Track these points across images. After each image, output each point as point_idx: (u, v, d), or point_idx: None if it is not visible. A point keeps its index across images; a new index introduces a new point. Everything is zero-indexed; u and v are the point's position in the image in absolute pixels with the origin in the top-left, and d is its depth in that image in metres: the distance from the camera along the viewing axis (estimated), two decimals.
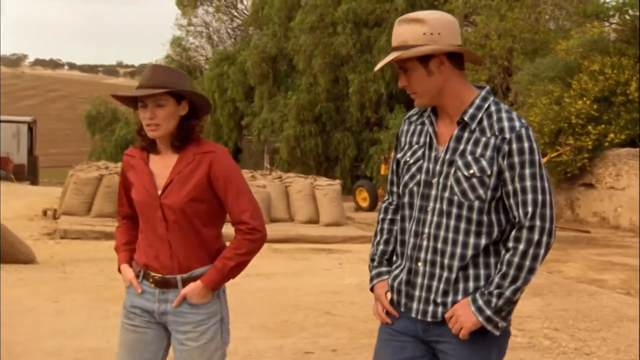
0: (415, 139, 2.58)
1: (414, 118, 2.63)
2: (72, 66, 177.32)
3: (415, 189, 2.53)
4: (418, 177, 2.53)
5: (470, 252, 2.45)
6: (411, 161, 2.56)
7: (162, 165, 2.93)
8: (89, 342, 5.81)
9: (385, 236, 2.73)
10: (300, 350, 5.81)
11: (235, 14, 36.90)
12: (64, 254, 10.15)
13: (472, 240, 2.45)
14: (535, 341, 6.25)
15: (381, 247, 2.73)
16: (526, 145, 2.38)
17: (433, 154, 2.50)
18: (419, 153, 2.54)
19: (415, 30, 2.41)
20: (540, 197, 2.38)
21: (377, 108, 25.05)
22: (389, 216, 2.73)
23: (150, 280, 2.93)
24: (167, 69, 2.92)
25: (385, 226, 2.74)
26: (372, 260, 2.75)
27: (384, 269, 2.72)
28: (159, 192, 2.90)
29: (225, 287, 3.03)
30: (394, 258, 2.68)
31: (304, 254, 11.36)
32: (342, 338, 6.23)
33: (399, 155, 2.64)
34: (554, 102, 14.97)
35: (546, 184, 2.41)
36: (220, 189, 2.89)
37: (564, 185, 16.03)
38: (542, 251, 2.39)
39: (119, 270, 3.07)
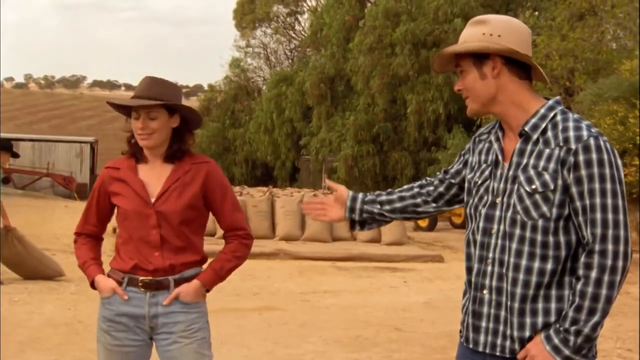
0: (483, 157, 2.40)
1: (484, 136, 2.46)
2: (128, 87, 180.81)
3: (483, 210, 2.33)
4: (485, 198, 2.33)
5: (534, 278, 2.20)
6: (479, 182, 2.37)
7: (154, 175, 3.00)
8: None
9: (403, 193, 2.65)
10: None
11: (293, 35, 37.42)
12: None
13: (536, 264, 2.20)
14: None
15: (385, 196, 2.65)
16: (594, 156, 2.14)
17: (499, 172, 2.31)
18: (487, 172, 2.36)
19: (476, 31, 2.29)
20: (611, 216, 2.13)
21: (435, 128, 25.07)
22: (416, 189, 2.64)
23: (140, 284, 2.93)
24: (162, 82, 2.98)
25: (418, 188, 2.64)
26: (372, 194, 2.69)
27: (360, 195, 2.66)
28: (153, 200, 2.96)
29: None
30: (465, 289, 2.44)
31: (368, 272, 11.46)
32: (415, 353, 6.33)
33: (468, 176, 2.46)
34: (619, 123, 14.82)
35: (619, 202, 2.15)
36: (217, 199, 3.02)
37: (629, 207, 15.78)
38: (618, 277, 2.13)
39: (92, 285, 3.05)
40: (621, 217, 2.15)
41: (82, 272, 3.12)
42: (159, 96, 2.91)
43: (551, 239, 2.19)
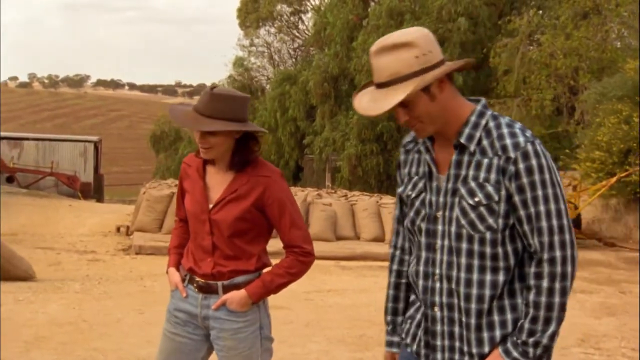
0: (414, 169, 2.30)
1: (410, 146, 2.35)
2: (132, 86, 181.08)
3: (422, 225, 2.25)
4: (423, 212, 2.25)
5: (488, 292, 2.15)
6: (413, 195, 2.28)
7: (218, 180, 2.98)
8: None
9: (392, 292, 2.46)
10: None
11: (297, 34, 37.41)
12: (141, 268, 10.49)
13: (488, 277, 2.15)
14: None
15: (390, 304, 2.46)
16: (534, 162, 2.09)
17: (434, 185, 2.22)
18: (420, 185, 2.26)
19: (406, 57, 2.11)
20: (555, 222, 2.10)
21: None
22: (395, 267, 2.45)
23: (195, 285, 2.99)
24: (224, 98, 2.86)
25: (392, 280, 2.46)
26: (387, 323, 2.47)
27: (396, 338, 2.44)
28: (210, 206, 2.95)
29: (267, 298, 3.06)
30: (411, 297, 2.40)
31: (372, 271, 11.45)
32: None
33: (399, 190, 2.36)
34: (623, 122, 14.79)
35: (562, 206, 2.11)
36: (274, 215, 2.96)
37: (633, 206, 15.80)
38: (568, 283, 2.11)
39: (167, 272, 3.15)
40: (565, 221, 2.12)
41: None
42: (219, 114, 2.83)
43: (500, 250, 2.15)
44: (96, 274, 9.93)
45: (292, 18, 37.65)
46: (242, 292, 2.93)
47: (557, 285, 2.10)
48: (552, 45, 19.21)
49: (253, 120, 33.33)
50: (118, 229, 14.74)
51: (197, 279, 2.99)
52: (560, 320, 2.11)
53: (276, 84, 31.96)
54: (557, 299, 2.10)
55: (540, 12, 23.75)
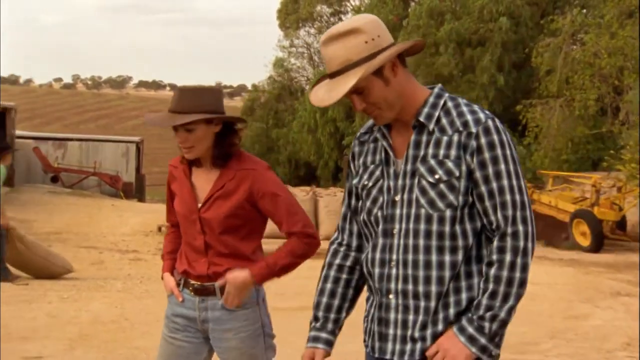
0: (369, 158, 2.22)
1: (365, 137, 2.27)
2: (173, 87, 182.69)
3: (379, 213, 2.15)
4: (381, 199, 2.15)
5: (447, 273, 2.08)
6: (370, 184, 2.19)
7: (205, 179, 2.93)
8: None
9: (330, 285, 2.29)
10: None
11: None
12: None
13: (447, 258, 2.08)
14: None
15: (325, 299, 2.29)
16: (496, 138, 2.05)
17: (392, 170, 2.15)
18: (377, 173, 2.18)
19: (355, 44, 2.07)
20: (518, 197, 2.05)
21: None
22: (337, 261, 2.30)
23: (190, 288, 2.94)
24: (194, 91, 2.85)
25: (332, 273, 2.30)
26: (316, 318, 2.30)
27: (324, 334, 2.27)
28: (199, 205, 2.91)
29: (265, 296, 3.00)
30: (368, 295, 2.25)
31: None
32: None
33: (354, 182, 2.27)
34: None
35: (522, 182, 2.08)
36: (268, 208, 2.89)
37: None
38: (529, 260, 2.06)
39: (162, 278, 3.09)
40: (525, 198, 2.08)
41: None
42: (193, 108, 2.79)
43: (458, 228, 2.08)
44: (138, 273, 10.05)
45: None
46: (245, 272, 2.82)
47: (519, 260, 2.04)
48: (596, 44, 18.93)
49: (292, 121, 33.48)
50: (159, 229, 14.88)
51: (192, 281, 2.93)
52: (518, 296, 2.04)
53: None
54: (517, 274, 2.03)
55: (584, 11, 23.42)
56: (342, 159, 31.32)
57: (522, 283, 2.05)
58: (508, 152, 2.06)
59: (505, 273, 2.03)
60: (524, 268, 2.04)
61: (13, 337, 6.25)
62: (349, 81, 2.06)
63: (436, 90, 2.16)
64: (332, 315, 2.27)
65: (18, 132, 30.62)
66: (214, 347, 2.99)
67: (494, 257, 2.06)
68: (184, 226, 2.97)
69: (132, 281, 9.45)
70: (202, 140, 2.83)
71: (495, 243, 2.06)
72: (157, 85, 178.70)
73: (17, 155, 28.59)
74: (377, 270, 2.16)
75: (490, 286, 2.04)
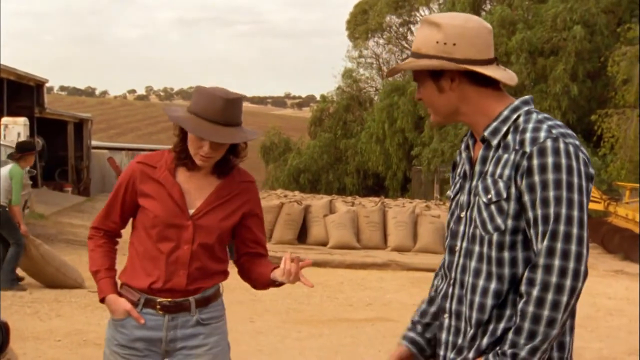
0: (459, 170, 2.16)
1: (461, 147, 2.20)
2: (243, 98, 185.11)
3: (451, 227, 2.11)
4: (456, 213, 2.11)
5: (490, 301, 1.95)
6: (452, 196, 2.15)
7: (195, 185, 2.74)
8: None
9: (432, 293, 2.27)
10: None
11: (406, 45, 37.24)
12: None
13: (493, 285, 1.95)
14: None
15: (423, 305, 2.28)
16: (550, 160, 1.87)
17: (467, 184, 2.07)
18: (458, 186, 2.13)
19: (430, 37, 2.02)
20: (563, 228, 1.85)
21: None
22: (441, 272, 2.25)
23: (158, 307, 2.69)
24: (236, 102, 2.69)
25: (435, 282, 2.27)
26: (411, 322, 2.30)
27: (411, 334, 2.26)
28: (192, 212, 2.71)
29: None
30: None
31: None
32: None
33: (448, 193, 2.24)
34: None
35: (575, 213, 1.86)
36: (256, 221, 2.81)
37: None
38: (564, 298, 1.85)
39: (102, 300, 2.76)
40: (575, 230, 1.86)
41: (93, 279, 2.82)
42: (235, 120, 2.65)
43: (506, 255, 1.94)
44: None
45: (401, 29, 37.57)
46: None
47: (550, 296, 1.85)
48: None
49: (361, 131, 33.44)
50: None
51: (160, 299, 2.68)
52: (546, 336, 1.86)
53: (384, 95, 31.94)
54: (545, 312, 1.85)
55: None
56: (411, 169, 31.12)
57: (551, 323, 1.86)
58: (564, 177, 1.87)
59: (531, 309, 1.87)
60: (555, 306, 1.85)
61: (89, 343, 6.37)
62: (405, 66, 2.10)
63: (516, 102, 2.04)
64: (425, 320, 2.25)
65: (94, 143, 31.52)
66: None
67: (522, 288, 1.90)
68: (163, 233, 2.70)
69: None
70: (223, 152, 2.71)
71: (526, 273, 1.90)
72: None
73: (92, 165, 29.43)
74: (444, 287, 2.12)
75: (517, 320, 1.90)
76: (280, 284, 2.74)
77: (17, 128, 15.91)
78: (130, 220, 2.85)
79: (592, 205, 16.92)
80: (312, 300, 8.96)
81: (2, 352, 2.32)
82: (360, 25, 37.39)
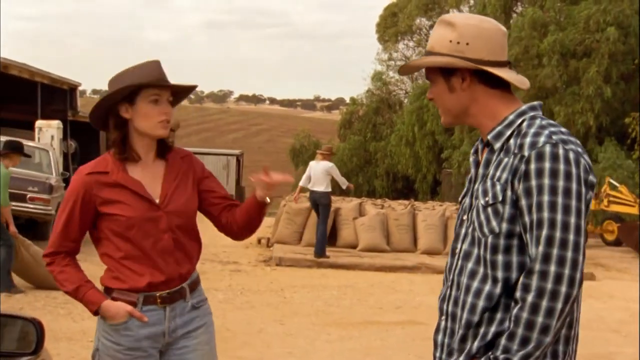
0: (472, 172, 2.18)
1: (472, 150, 2.22)
2: (272, 101, 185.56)
3: (457, 230, 2.12)
4: (460, 216, 2.12)
5: (482, 303, 1.95)
6: (460, 199, 2.16)
7: (148, 174, 2.76)
8: None
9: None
10: None
11: None
12: (281, 280, 10.68)
13: (486, 287, 1.95)
14: None
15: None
16: (548, 165, 1.85)
17: (472, 187, 2.09)
18: (466, 189, 2.14)
19: (444, 36, 2.04)
20: (559, 234, 1.83)
21: (585, 141, 24.02)
22: None
23: (159, 300, 2.72)
24: (161, 64, 2.78)
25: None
26: None
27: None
28: (157, 201, 2.73)
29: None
30: None
31: None
32: None
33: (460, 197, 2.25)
34: None
35: (572, 219, 1.84)
36: (212, 184, 2.87)
37: None
38: (559, 305, 1.83)
39: (95, 312, 2.72)
40: (571, 236, 1.84)
41: (74, 298, 2.75)
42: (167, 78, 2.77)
43: (500, 258, 1.92)
44: (238, 284, 10.20)
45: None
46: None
47: (544, 303, 1.83)
48: None
49: (390, 134, 33.34)
50: (259, 241, 15.08)
51: (159, 293, 2.71)
52: (540, 343, 1.84)
53: (414, 97, 31.82)
54: (540, 319, 1.83)
55: None
56: (441, 172, 30.97)
57: (545, 330, 1.84)
58: (561, 183, 1.85)
59: (525, 315, 1.85)
60: (550, 313, 1.83)
61: None
62: (416, 63, 2.17)
63: (522, 107, 2.03)
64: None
65: None
66: (174, 354, 2.78)
67: (517, 294, 1.88)
68: (140, 231, 2.70)
69: (233, 292, 9.59)
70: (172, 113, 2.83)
71: (521, 279, 1.88)
72: (257, 99, 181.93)
73: None
74: (442, 289, 2.13)
75: (511, 326, 1.87)
76: (263, 202, 2.82)
77: (50, 131, 16.08)
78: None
79: (626, 209, 16.73)
80: (342, 303, 8.97)
81: (37, 352, 2.35)
82: (390, 28, 37.31)
